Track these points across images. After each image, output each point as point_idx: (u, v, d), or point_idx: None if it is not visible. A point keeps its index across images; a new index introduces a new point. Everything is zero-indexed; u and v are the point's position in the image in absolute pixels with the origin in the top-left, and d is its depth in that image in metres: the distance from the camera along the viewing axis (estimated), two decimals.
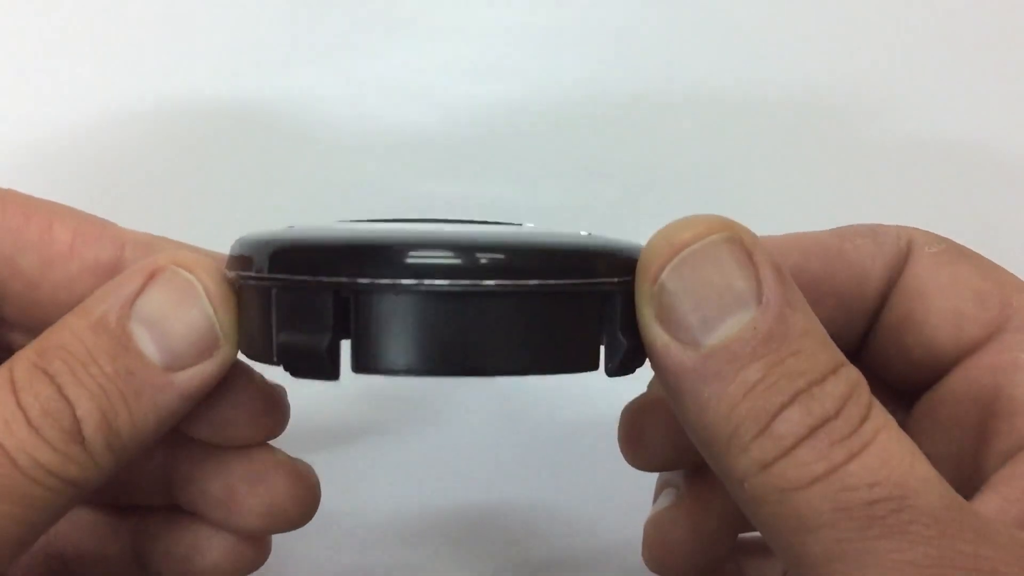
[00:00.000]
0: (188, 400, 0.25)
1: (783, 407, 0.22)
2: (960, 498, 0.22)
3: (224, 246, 0.27)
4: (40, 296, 0.28)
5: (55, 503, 0.24)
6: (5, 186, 0.28)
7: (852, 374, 0.23)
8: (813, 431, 0.21)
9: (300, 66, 0.43)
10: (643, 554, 0.31)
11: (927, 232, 0.28)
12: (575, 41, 0.45)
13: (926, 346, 0.27)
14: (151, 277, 0.25)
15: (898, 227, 0.28)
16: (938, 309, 0.27)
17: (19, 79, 0.42)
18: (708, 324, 0.22)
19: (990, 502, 0.24)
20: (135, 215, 0.30)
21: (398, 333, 0.21)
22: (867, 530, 0.21)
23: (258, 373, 0.29)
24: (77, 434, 0.24)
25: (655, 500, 0.32)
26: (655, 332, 0.23)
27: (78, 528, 0.32)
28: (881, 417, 0.22)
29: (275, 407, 0.29)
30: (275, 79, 0.42)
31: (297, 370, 0.22)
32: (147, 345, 0.24)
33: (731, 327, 0.22)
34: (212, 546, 0.31)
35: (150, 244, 0.28)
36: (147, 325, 0.24)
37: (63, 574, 0.32)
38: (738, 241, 0.23)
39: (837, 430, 0.22)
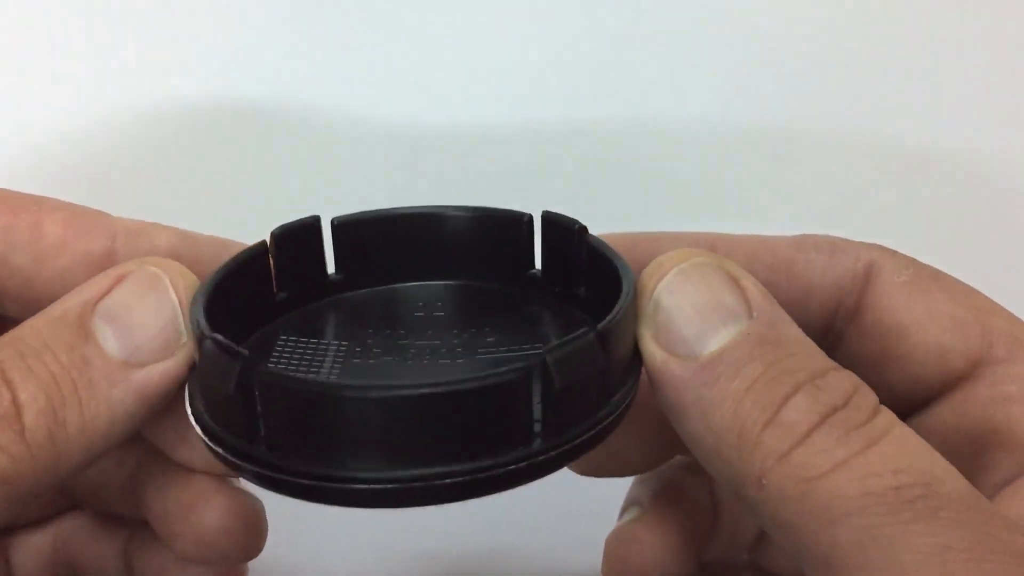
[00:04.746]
0: (145, 401, 0.24)
1: (788, 397, 0.22)
2: (980, 494, 0.21)
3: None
4: (36, 292, 0.27)
5: None
6: (6, 186, 0.28)
7: (853, 376, 0.23)
8: (824, 418, 0.21)
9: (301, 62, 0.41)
10: (602, 569, 0.30)
11: (892, 253, 0.27)
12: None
13: (911, 381, 0.27)
14: (119, 280, 0.25)
15: (859, 245, 0.27)
16: (920, 344, 0.26)
17: (23, 76, 0.41)
18: (702, 336, 0.23)
19: (1007, 510, 0.23)
20: (135, 213, 0.29)
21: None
22: (899, 514, 0.20)
23: None
24: (15, 420, 0.22)
25: (620, 518, 0.31)
26: (653, 350, 0.23)
27: (82, 537, 0.32)
28: (892, 416, 0.22)
29: None
30: (276, 75, 0.41)
31: None
32: (107, 338, 0.24)
33: (724, 336, 0.23)
34: (182, 569, 0.30)
35: (141, 231, 0.28)
36: (109, 319, 0.24)
37: None
38: (721, 267, 0.24)
39: (850, 419, 0.21)
